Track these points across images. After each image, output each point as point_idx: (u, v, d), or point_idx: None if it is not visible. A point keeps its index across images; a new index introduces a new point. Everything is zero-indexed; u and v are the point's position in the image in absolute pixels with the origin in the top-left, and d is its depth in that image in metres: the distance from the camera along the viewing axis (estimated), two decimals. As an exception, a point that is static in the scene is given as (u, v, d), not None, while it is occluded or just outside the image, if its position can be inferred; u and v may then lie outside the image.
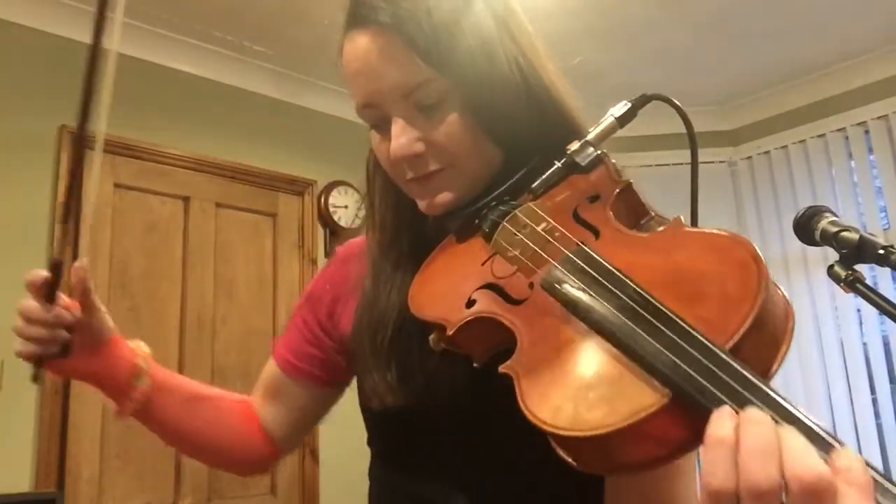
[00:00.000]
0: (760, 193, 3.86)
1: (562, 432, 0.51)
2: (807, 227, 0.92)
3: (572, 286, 0.59)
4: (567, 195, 0.72)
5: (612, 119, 0.78)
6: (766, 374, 0.52)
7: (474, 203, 0.77)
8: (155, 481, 2.75)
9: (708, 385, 0.47)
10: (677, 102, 0.78)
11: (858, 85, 3.58)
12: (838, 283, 0.85)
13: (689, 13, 3.11)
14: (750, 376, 0.47)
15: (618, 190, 0.71)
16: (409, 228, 0.84)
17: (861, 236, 0.85)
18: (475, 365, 0.67)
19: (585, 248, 0.62)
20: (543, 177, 0.75)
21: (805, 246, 0.94)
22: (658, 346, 0.50)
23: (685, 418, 0.48)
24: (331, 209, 3.44)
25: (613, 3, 3.01)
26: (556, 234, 0.67)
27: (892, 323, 0.81)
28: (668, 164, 3.98)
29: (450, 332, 0.66)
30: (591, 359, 0.54)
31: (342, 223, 3.46)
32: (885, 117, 3.50)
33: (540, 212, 0.71)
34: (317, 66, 3.37)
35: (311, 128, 3.52)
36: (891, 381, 3.36)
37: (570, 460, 0.52)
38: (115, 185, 2.86)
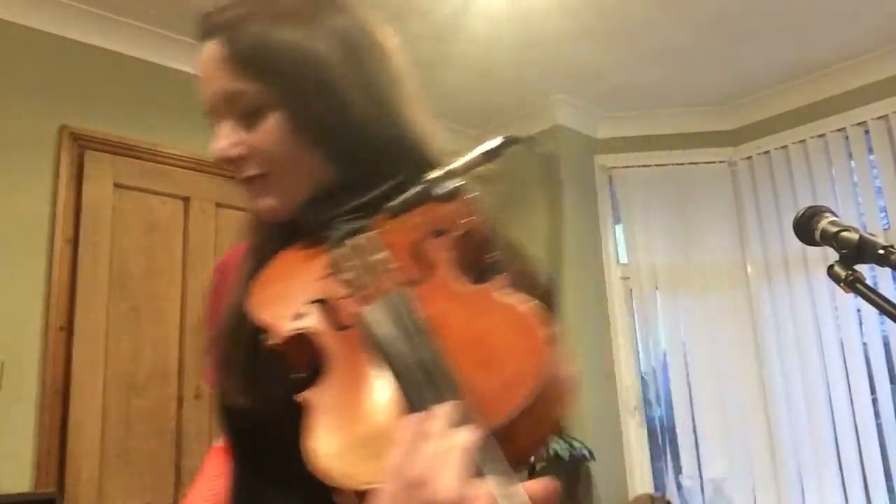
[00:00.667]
0: (760, 193, 3.86)
1: (323, 476, 0.53)
2: (807, 227, 0.92)
3: (382, 331, 0.61)
4: (417, 223, 0.73)
5: (479, 153, 0.77)
6: (527, 454, 0.56)
7: (327, 212, 0.77)
8: (155, 481, 2.75)
9: None
10: (539, 149, 0.78)
11: (858, 85, 3.58)
12: (838, 283, 0.85)
13: (689, 13, 3.11)
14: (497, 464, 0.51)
15: (462, 231, 0.72)
16: (278, 233, 0.84)
17: (861, 236, 0.85)
18: (295, 375, 0.67)
19: (405, 295, 0.64)
20: (401, 198, 0.74)
21: (805, 246, 0.94)
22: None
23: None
24: (331, 209, 3.43)
25: (613, 3, 3.01)
26: (391, 267, 0.68)
27: (892, 323, 0.81)
28: (668, 164, 3.98)
29: (271, 343, 0.67)
30: (379, 408, 0.57)
31: (342, 223, 3.46)
32: (885, 117, 3.50)
33: (382, 240, 0.72)
34: (317, 66, 3.36)
35: (311, 128, 3.51)
36: (891, 381, 3.36)
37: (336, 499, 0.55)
38: (115, 185, 2.86)
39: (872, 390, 3.39)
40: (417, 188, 0.74)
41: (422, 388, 0.55)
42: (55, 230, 2.68)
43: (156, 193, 2.98)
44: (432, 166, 0.77)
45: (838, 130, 3.62)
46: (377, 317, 0.63)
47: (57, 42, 2.83)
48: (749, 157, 3.93)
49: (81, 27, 2.88)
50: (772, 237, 3.77)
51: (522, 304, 0.62)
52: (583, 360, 3.66)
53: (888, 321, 0.85)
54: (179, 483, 2.79)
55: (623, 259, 3.99)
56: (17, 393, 2.51)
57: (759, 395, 3.69)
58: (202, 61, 0.83)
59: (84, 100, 2.85)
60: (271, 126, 0.77)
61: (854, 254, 0.84)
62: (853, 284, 0.84)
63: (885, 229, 3.49)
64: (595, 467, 3.53)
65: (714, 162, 3.98)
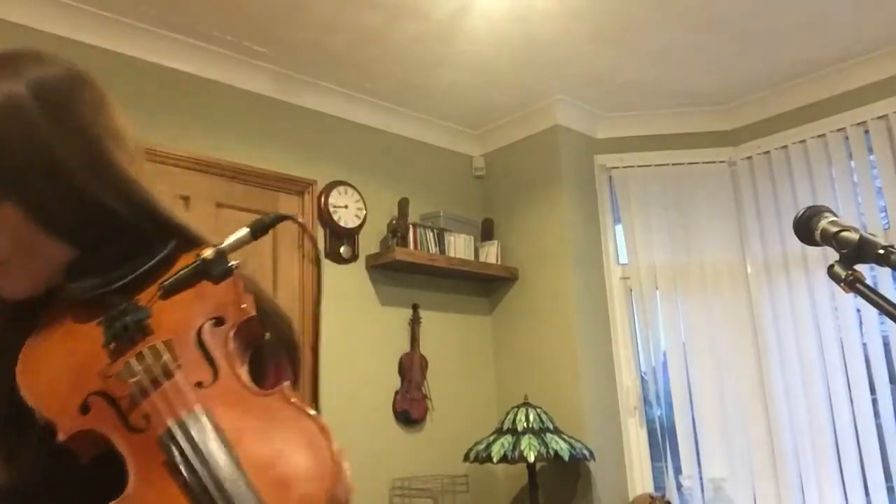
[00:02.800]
0: (760, 193, 3.86)
1: None
2: (807, 227, 0.92)
3: (179, 451, 0.61)
4: (193, 307, 0.72)
5: (245, 231, 0.79)
6: None
7: (91, 284, 0.74)
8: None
9: None
10: (304, 225, 0.86)
11: (858, 85, 3.58)
12: (838, 283, 0.85)
13: (689, 14, 3.11)
14: None
15: (242, 320, 0.72)
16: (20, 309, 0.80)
17: (861, 236, 0.85)
18: (82, 461, 0.66)
19: (201, 417, 0.64)
20: (175, 277, 0.73)
21: (805, 246, 0.94)
22: None
23: None
24: (331, 209, 3.44)
25: (613, 4, 3.01)
26: (175, 366, 0.67)
27: (892, 323, 0.81)
28: (668, 164, 3.98)
29: (61, 439, 0.65)
30: None
31: (342, 223, 3.47)
32: (885, 117, 3.50)
33: (162, 328, 0.70)
34: (317, 66, 3.37)
35: (311, 128, 3.52)
36: (891, 381, 3.36)
37: None
38: (115, 185, 2.86)
39: (872, 390, 3.39)
40: (190, 267, 0.72)
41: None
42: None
43: (156, 193, 2.97)
44: (177, 234, 0.77)
45: (838, 130, 3.62)
46: (173, 435, 0.62)
47: (57, 42, 2.83)
48: (749, 157, 3.93)
49: (82, 27, 2.88)
50: (772, 237, 3.77)
51: (312, 418, 0.63)
52: (583, 360, 3.67)
53: (888, 321, 0.85)
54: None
55: (623, 259, 3.99)
56: (17, 393, 2.51)
57: (759, 396, 3.69)
58: None
59: (84, 100, 2.85)
60: (2, 216, 0.72)
61: (854, 254, 0.84)
62: (853, 284, 0.84)
63: (885, 229, 3.48)
64: (595, 467, 3.53)
65: (714, 162, 3.98)
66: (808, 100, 3.73)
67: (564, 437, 3.32)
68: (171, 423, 0.63)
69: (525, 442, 3.22)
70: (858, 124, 3.56)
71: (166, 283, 0.72)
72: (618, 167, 3.99)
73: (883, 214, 3.52)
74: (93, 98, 0.79)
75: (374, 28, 3.10)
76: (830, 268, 0.86)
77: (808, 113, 3.73)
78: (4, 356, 0.74)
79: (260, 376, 0.72)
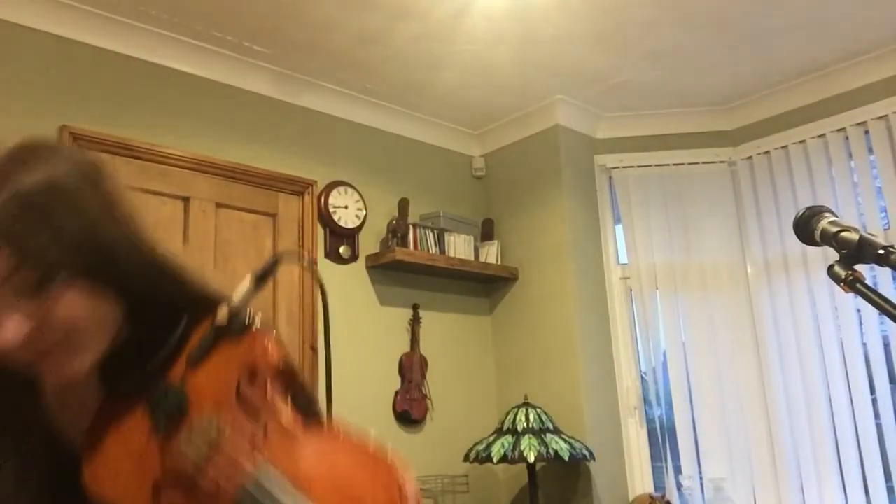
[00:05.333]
0: (760, 193, 3.86)
1: None
2: (807, 227, 0.92)
3: None
4: (224, 369, 0.73)
5: (250, 281, 0.79)
6: None
7: (128, 374, 0.76)
8: (155, 481, 2.75)
9: None
10: (302, 262, 0.87)
11: (858, 85, 3.58)
12: (838, 283, 0.85)
13: (689, 13, 3.11)
14: None
15: (274, 367, 0.74)
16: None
17: (861, 236, 0.85)
18: None
19: (268, 469, 0.66)
20: (199, 347, 0.74)
21: (805, 246, 0.94)
22: None
23: None
24: (331, 209, 3.44)
25: (613, 4, 3.01)
26: (231, 437, 0.68)
27: (892, 323, 0.81)
28: (668, 164, 3.98)
29: None
30: None
31: (342, 223, 3.47)
32: (885, 117, 3.49)
33: (210, 415, 0.71)
34: (317, 66, 3.37)
35: (311, 128, 3.52)
36: (891, 381, 3.36)
37: None
38: (115, 185, 2.86)
39: (872, 390, 3.39)
40: (210, 334, 0.73)
41: None
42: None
43: (156, 193, 2.98)
44: (199, 295, 0.78)
45: (838, 130, 3.62)
46: (247, 491, 0.65)
47: (57, 42, 2.83)
48: (749, 157, 3.93)
49: (81, 27, 2.88)
50: (772, 237, 3.77)
51: (367, 443, 0.66)
52: (583, 360, 3.67)
53: (888, 321, 0.85)
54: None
55: (623, 259, 3.99)
56: (17, 393, 2.50)
57: (759, 395, 3.69)
58: None
59: (84, 100, 2.85)
60: (63, 290, 0.71)
61: (854, 254, 0.84)
62: (853, 284, 0.84)
63: (885, 229, 3.48)
64: (595, 467, 3.53)
65: (714, 162, 3.98)
66: (808, 100, 3.72)
67: (564, 437, 3.32)
68: (241, 482, 0.65)
69: (525, 442, 3.22)
70: (858, 124, 3.56)
71: (192, 354, 0.73)
72: (618, 167, 3.99)
73: (883, 214, 3.52)
74: (115, 181, 0.81)
75: (374, 28, 3.10)
76: (830, 268, 0.86)
77: (808, 113, 3.73)
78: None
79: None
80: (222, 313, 0.74)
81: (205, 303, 0.79)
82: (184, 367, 0.73)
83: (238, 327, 0.74)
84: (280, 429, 0.70)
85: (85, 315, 0.72)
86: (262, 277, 0.78)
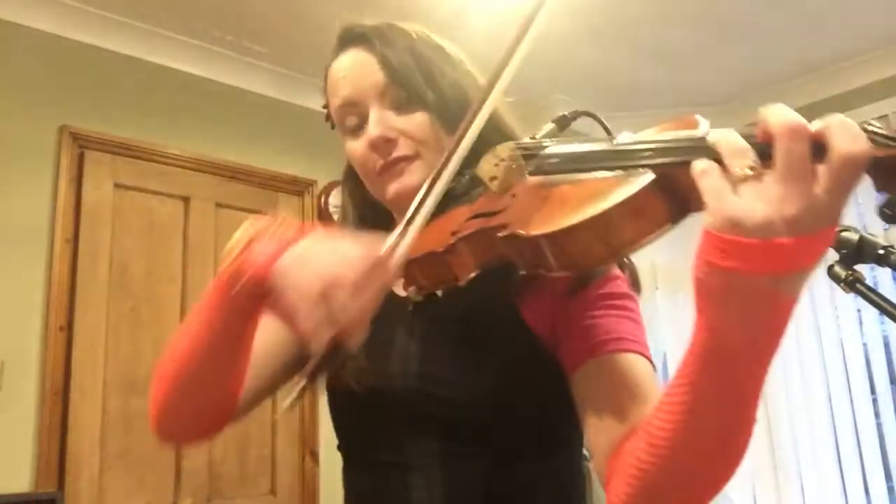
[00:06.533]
0: (760, 193, 3.86)
1: (570, 223, 0.59)
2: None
3: (552, 154, 0.70)
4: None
5: (552, 125, 0.94)
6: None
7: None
8: (155, 481, 2.75)
9: (688, 143, 0.57)
10: (600, 118, 0.98)
11: (858, 85, 3.58)
12: (838, 283, 0.85)
13: (690, 13, 3.11)
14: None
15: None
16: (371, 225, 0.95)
17: (861, 236, 0.85)
18: (461, 282, 0.73)
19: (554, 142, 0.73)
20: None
21: (805, 246, 0.94)
22: (642, 148, 0.60)
23: (670, 191, 0.58)
24: (331, 209, 3.43)
25: (614, 3, 3.01)
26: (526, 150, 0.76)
27: (892, 323, 0.81)
28: (668, 164, 3.98)
29: (440, 250, 0.72)
30: (577, 190, 0.64)
31: (342, 223, 3.46)
32: (885, 117, 3.49)
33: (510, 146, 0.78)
34: (317, 66, 3.35)
35: (311, 128, 3.50)
36: (891, 381, 3.36)
37: (574, 265, 0.62)
38: (115, 185, 2.86)
39: (872, 390, 3.39)
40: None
41: (615, 150, 0.62)
42: (55, 230, 2.68)
43: (156, 193, 2.98)
44: (512, 136, 0.89)
45: (838, 130, 3.62)
46: (543, 156, 0.71)
47: (57, 42, 2.83)
48: (749, 157, 3.93)
49: (81, 27, 2.88)
50: (772, 237, 3.77)
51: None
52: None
53: (888, 321, 0.85)
54: (179, 483, 2.80)
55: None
56: (17, 393, 2.51)
57: (759, 395, 3.69)
58: (350, 61, 0.96)
59: (84, 100, 2.85)
60: (422, 116, 0.89)
61: (854, 254, 0.84)
62: (853, 284, 0.84)
63: (885, 229, 3.48)
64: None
65: (714, 162, 3.98)
66: (808, 100, 3.72)
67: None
68: (539, 149, 0.73)
69: (525, 442, 3.22)
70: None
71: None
72: (618, 167, 3.99)
73: (883, 214, 3.52)
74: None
75: (374, 28, 3.10)
76: (830, 268, 0.86)
77: (808, 113, 3.69)
78: None
79: None
80: (526, 140, 0.82)
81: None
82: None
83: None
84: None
85: (431, 143, 0.89)
86: (562, 124, 0.94)
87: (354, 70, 0.94)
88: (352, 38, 0.98)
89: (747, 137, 0.55)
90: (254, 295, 0.73)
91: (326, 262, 0.66)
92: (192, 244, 3.02)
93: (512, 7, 2.99)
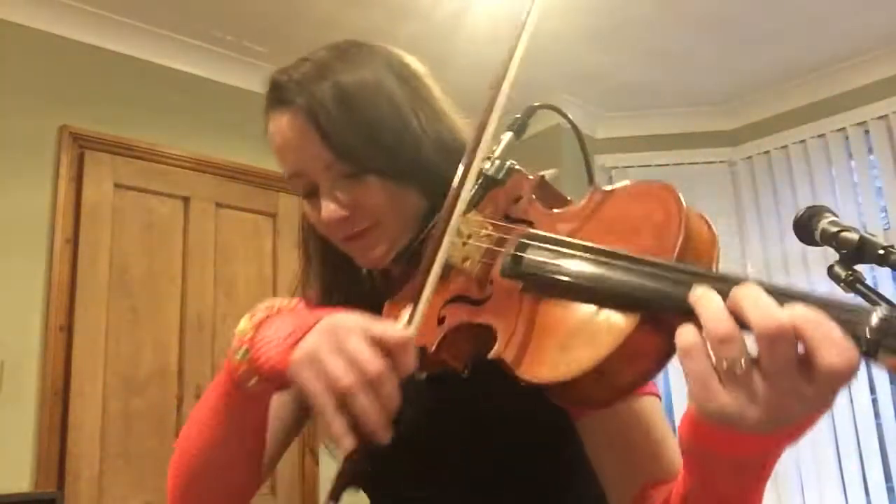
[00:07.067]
0: (760, 193, 3.86)
1: (566, 378, 0.56)
2: (807, 227, 0.92)
3: (529, 262, 0.65)
4: (493, 207, 0.78)
5: (510, 134, 0.84)
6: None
7: (409, 245, 0.83)
8: (155, 481, 2.75)
9: (668, 290, 0.54)
10: (562, 110, 0.90)
11: (858, 85, 3.57)
12: (838, 284, 0.85)
13: (689, 13, 3.11)
14: (698, 270, 0.56)
15: (534, 183, 0.79)
16: (345, 281, 0.92)
17: (861, 236, 0.85)
18: (464, 374, 0.71)
19: (529, 231, 0.69)
20: (470, 196, 0.78)
21: (805, 246, 0.94)
22: (619, 277, 0.57)
23: (660, 328, 0.54)
24: (331, 209, 3.43)
25: (614, 3, 3.01)
26: (499, 232, 0.73)
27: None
28: (668, 164, 3.98)
29: (431, 350, 0.69)
30: (561, 318, 0.61)
31: (342, 223, 3.47)
32: (885, 117, 3.49)
33: (479, 218, 0.76)
34: (317, 66, 3.36)
35: (311, 128, 3.51)
36: (891, 382, 3.36)
37: (578, 404, 0.60)
38: (115, 185, 2.86)
39: (872, 390, 3.39)
40: (479, 184, 0.78)
41: (596, 269, 0.59)
42: (55, 230, 2.68)
43: (155, 193, 2.98)
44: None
45: (838, 130, 3.62)
46: (512, 259, 0.67)
47: (57, 42, 2.83)
48: (749, 157, 3.93)
49: (81, 27, 2.88)
50: (772, 237, 3.77)
51: (628, 183, 0.68)
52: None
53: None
54: (179, 483, 2.79)
55: (623, 259, 3.99)
56: (17, 393, 2.51)
57: (759, 395, 3.69)
58: (282, 129, 0.83)
59: (84, 100, 2.85)
60: (372, 183, 0.82)
61: (854, 254, 0.84)
62: (853, 284, 0.84)
63: (885, 229, 3.48)
64: (595, 467, 3.52)
65: (714, 162, 3.98)
66: (808, 100, 3.72)
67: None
68: (507, 251, 0.68)
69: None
70: (858, 124, 3.56)
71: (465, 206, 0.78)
72: (618, 167, 3.99)
73: (883, 214, 3.52)
74: (423, 80, 0.92)
75: (374, 28, 3.10)
76: (830, 268, 0.86)
77: (808, 113, 3.73)
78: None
79: None
80: (487, 165, 0.79)
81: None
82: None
83: (502, 175, 0.79)
84: (545, 216, 0.74)
85: (388, 207, 0.83)
86: (518, 128, 0.85)
87: (290, 144, 0.83)
88: (278, 99, 0.86)
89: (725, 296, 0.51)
90: (269, 388, 0.71)
91: (343, 362, 0.60)
92: (192, 244, 3.02)
93: (511, 8, 2.99)
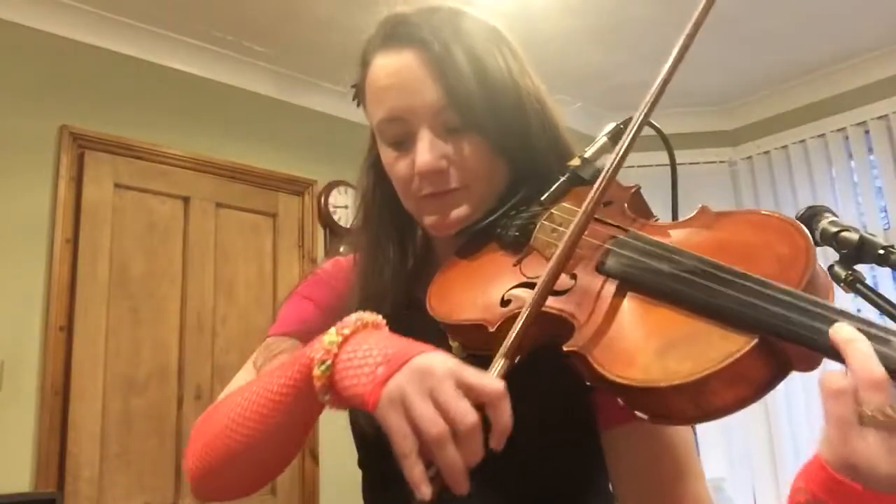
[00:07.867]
0: (760, 193, 3.86)
1: (657, 384, 0.53)
2: (807, 228, 0.91)
3: (635, 263, 0.63)
4: (577, 204, 0.74)
5: (605, 139, 0.85)
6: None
7: (479, 221, 0.81)
8: (155, 481, 2.75)
9: (804, 320, 0.52)
10: (661, 129, 0.91)
11: (858, 85, 3.58)
12: (838, 284, 0.85)
13: (689, 13, 3.09)
14: (833, 306, 0.53)
15: (632, 191, 0.78)
16: (397, 249, 0.89)
17: (861, 236, 0.84)
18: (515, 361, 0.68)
19: (633, 231, 0.67)
20: (550, 190, 0.78)
21: (805, 246, 0.94)
22: (742, 296, 0.54)
23: (773, 356, 0.52)
24: (331, 209, 3.44)
25: (614, 3, 3.01)
26: (600, 228, 0.70)
27: (893, 323, 0.80)
28: (667, 165, 3.98)
29: (492, 329, 0.67)
30: (664, 323, 0.58)
31: (342, 223, 3.46)
32: (885, 117, 3.50)
33: (572, 209, 0.74)
34: (317, 66, 3.36)
35: (311, 128, 3.51)
36: (891, 381, 3.36)
37: (657, 416, 0.56)
38: (115, 185, 2.86)
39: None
40: (564, 178, 0.79)
41: (707, 283, 0.56)
42: (55, 230, 2.68)
43: (156, 193, 2.98)
44: (567, 152, 0.85)
45: (838, 130, 3.62)
46: (618, 256, 0.65)
47: (57, 42, 2.83)
48: (749, 157, 3.93)
49: (81, 27, 2.88)
50: (772, 237, 3.77)
51: (742, 210, 0.66)
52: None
53: (888, 321, 0.85)
54: (179, 483, 2.80)
55: (623, 259, 3.99)
56: (17, 393, 2.51)
57: (759, 395, 3.69)
58: (398, 67, 0.80)
59: (84, 100, 2.85)
60: (476, 141, 0.79)
61: (854, 254, 0.84)
62: (853, 284, 0.84)
63: (885, 229, 3.49)
64: (595, 467, 3.53)
65: (714, 162, 3.98)
66: (808, 100, 3.73)
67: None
68: (609, 246, 0.66)
69: (525, 442, 3.22)
70: (858, 124, 3.56)
71: (544, 196, 0.77)
72: (618, 167, 3.99)
73: (883, 214, 3.52)
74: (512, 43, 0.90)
75: (374, 27, 3.10)
76: (830, 268, 0.86)
77: (808, 113, 3.73)
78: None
79: None
80: (576, 162, 0.80)
81: (565, 153, 0.87)
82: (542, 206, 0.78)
83: (590, 173, 0.79)
84: (642, 226, 0.71)
85: (481, 172, 0.80)
86: (615, 136, 0.85)
87: (406, 82, 0.79)
88: (403, 34, 0.83)
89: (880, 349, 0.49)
90: (340, 406, 0.67)
91: (433, 410, 0.56)
92: (192, 244, 3.02)
93: (512, 7, 2.99)
